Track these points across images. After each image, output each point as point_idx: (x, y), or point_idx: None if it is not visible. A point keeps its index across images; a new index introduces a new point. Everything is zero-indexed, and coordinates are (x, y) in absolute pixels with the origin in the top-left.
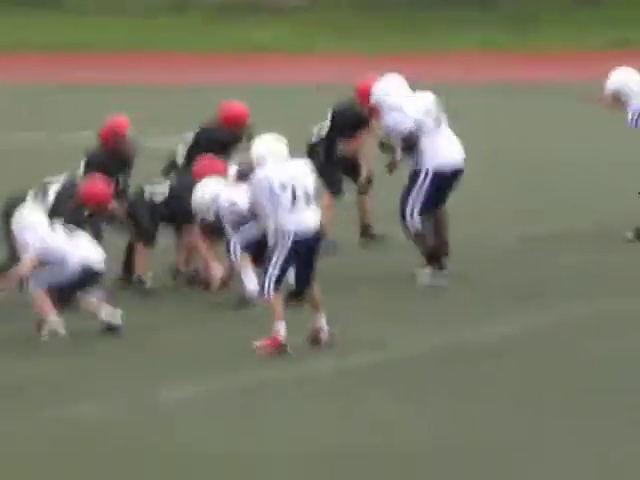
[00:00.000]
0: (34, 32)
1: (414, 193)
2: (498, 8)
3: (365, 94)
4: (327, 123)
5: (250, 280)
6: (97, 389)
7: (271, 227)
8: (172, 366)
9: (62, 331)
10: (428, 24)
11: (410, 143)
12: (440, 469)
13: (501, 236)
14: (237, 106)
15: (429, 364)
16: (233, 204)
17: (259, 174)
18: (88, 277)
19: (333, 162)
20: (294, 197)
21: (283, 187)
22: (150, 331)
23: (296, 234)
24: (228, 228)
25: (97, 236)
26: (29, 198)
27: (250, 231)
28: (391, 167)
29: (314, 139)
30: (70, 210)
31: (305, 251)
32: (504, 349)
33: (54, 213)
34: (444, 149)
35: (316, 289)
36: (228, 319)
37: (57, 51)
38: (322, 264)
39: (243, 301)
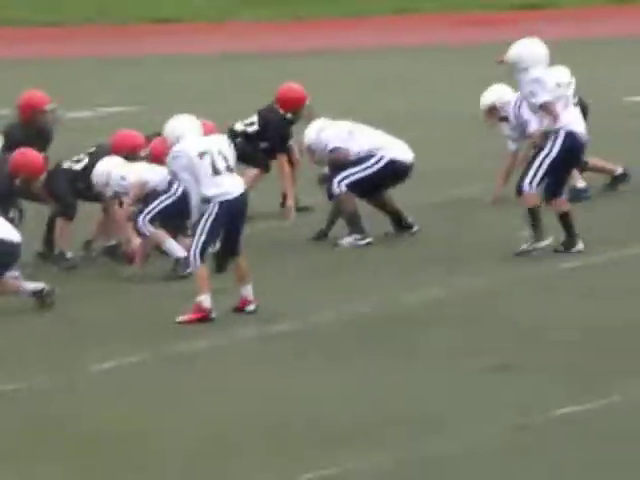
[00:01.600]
0: None
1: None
2: None
3: (288, 103)
4: (254, 127)
5: (175, 248)
6: (19, 362)
7: (195, 199)
8: (95, 339)
9: None
10: None
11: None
12: (365, 441)
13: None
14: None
15: (352, 332)
16: (123, 180)
17: (175, 149)
18: (3, 256)
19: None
20: (214, 166)
21: (201, 156)
22: (73, 304)
23: (220, 200)
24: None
25: (18, 212)
26: None
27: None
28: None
29: (238, 127)
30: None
31: (230, 218)
32: (430, 315)
33: None
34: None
35: (243, 259)
36: (152, 291)
37: None
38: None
39: (176, 268)
